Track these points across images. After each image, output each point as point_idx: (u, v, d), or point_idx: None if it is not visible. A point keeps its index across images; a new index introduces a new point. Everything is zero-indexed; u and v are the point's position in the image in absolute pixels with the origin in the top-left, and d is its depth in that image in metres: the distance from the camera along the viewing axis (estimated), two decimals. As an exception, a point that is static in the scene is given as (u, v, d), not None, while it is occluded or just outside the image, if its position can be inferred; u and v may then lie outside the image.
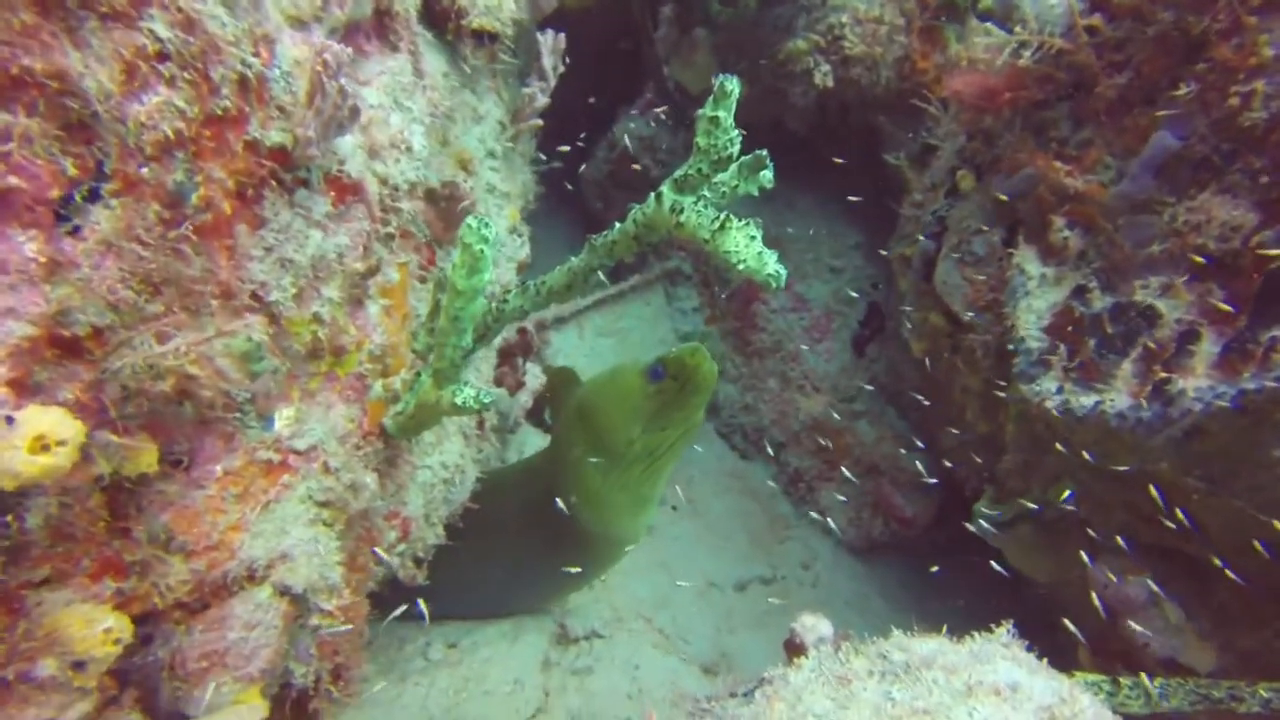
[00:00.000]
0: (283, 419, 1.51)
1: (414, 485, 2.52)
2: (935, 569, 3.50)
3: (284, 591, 1.51)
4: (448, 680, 3.06)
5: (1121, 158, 2.20)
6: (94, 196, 0.93)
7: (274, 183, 1.22)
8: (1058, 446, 2.19)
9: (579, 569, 2.79)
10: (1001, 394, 2.67)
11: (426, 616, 2.49)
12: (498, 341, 3.19)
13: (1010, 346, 2.31)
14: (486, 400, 1.48)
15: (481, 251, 1.27)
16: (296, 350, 1.44)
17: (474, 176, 2.91)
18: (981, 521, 3.01)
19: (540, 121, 3.19)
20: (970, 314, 2.79)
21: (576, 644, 3.56)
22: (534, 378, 4.13)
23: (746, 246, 1.19)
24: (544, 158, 3.65)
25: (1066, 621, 2.25)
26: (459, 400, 1.47)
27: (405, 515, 2.48)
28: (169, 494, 1.28)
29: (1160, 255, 2.10)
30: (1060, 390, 2.14)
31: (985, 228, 2.55)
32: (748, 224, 1.24)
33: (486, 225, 1.26)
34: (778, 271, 1.18)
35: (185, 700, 1.40)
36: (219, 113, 1.06)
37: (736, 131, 1.29)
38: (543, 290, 1.72)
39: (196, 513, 1.33)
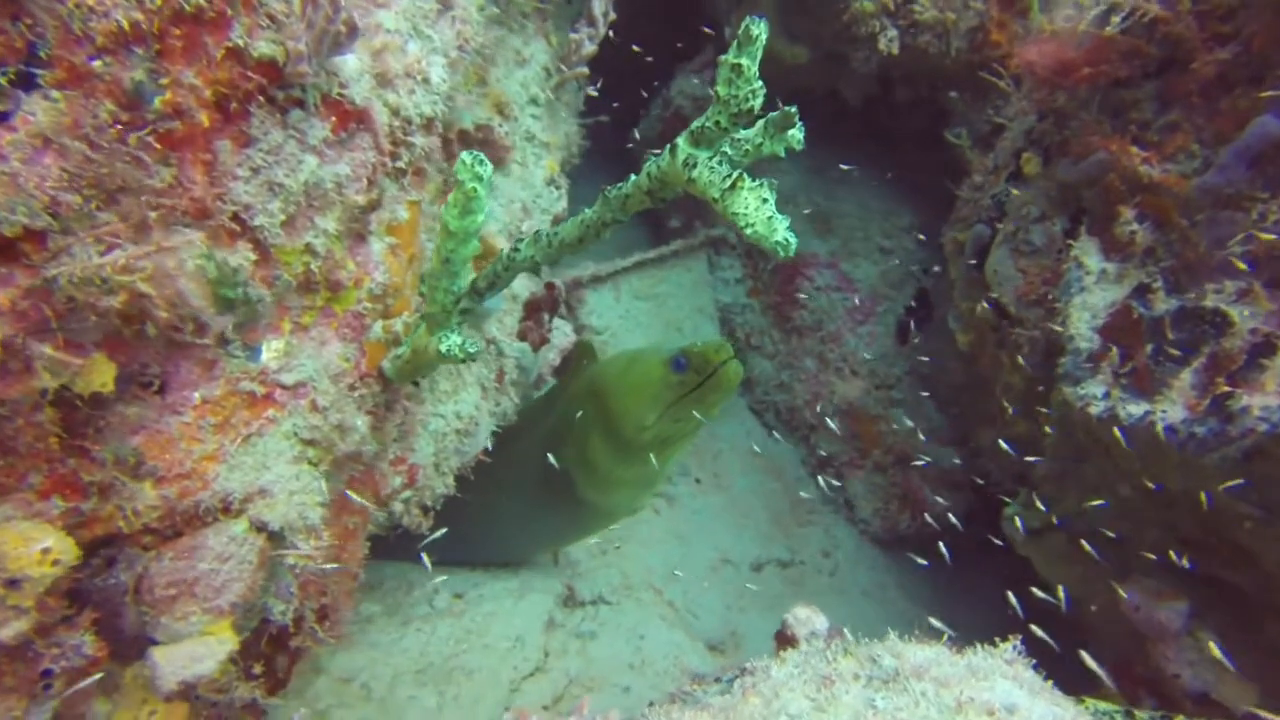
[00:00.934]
0: (271, 351, 1.46)
1: (425, 433, 2.48)
2: (924, 563, 3.39)
3: (261, 527, 1.48)
4: (449, 630, 3.06)
5: (1210, 146, 1.99)
6: (28, 84, 0.87)
7: (262, 99, 1.14)
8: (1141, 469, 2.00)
9: (570, 528, 2.93)
10: (1044, 394, 2.51)
11: (429, 566, 2.49)
12: (524, 295, 3.12)
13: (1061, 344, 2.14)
14: (472, 350, 1.40)
15: (474, 190, 1.18)
16: (286, 280, 1.38)
17: (511, 121, 2.82)
18: (1012, 525, 2.86)
19: (586, 70, 3.08)
20: (1020, 307, 2.62)
21: (583, 607, 3.54)
22: (563, 335, 4.07)
23: (756, 209, 1.08)
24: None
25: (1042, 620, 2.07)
26: (443, 348, 1.39)
27: (412, 462, 2.45)
28: (140, 417, 1.24)
29: (1241, 257, 1.90)
30: (1107, 395, 1.97)
31: (1047, 216, 2.36)
32: (761, 185, 1.12)
33: (482, 162, 1.16)
34: (786, 240, 1.06)
35: (152, 625, 1.38)
36: (189, 9, 0.98)
37: (760, 83, 1.16)
38: (554, 242, 1.62)
39: (170, 439, 1.28)
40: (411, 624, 3.10)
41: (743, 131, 1.35)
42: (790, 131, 1.35)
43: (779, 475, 4.86)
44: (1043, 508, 2.52)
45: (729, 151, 1.33)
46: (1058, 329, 2.17)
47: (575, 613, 3.49)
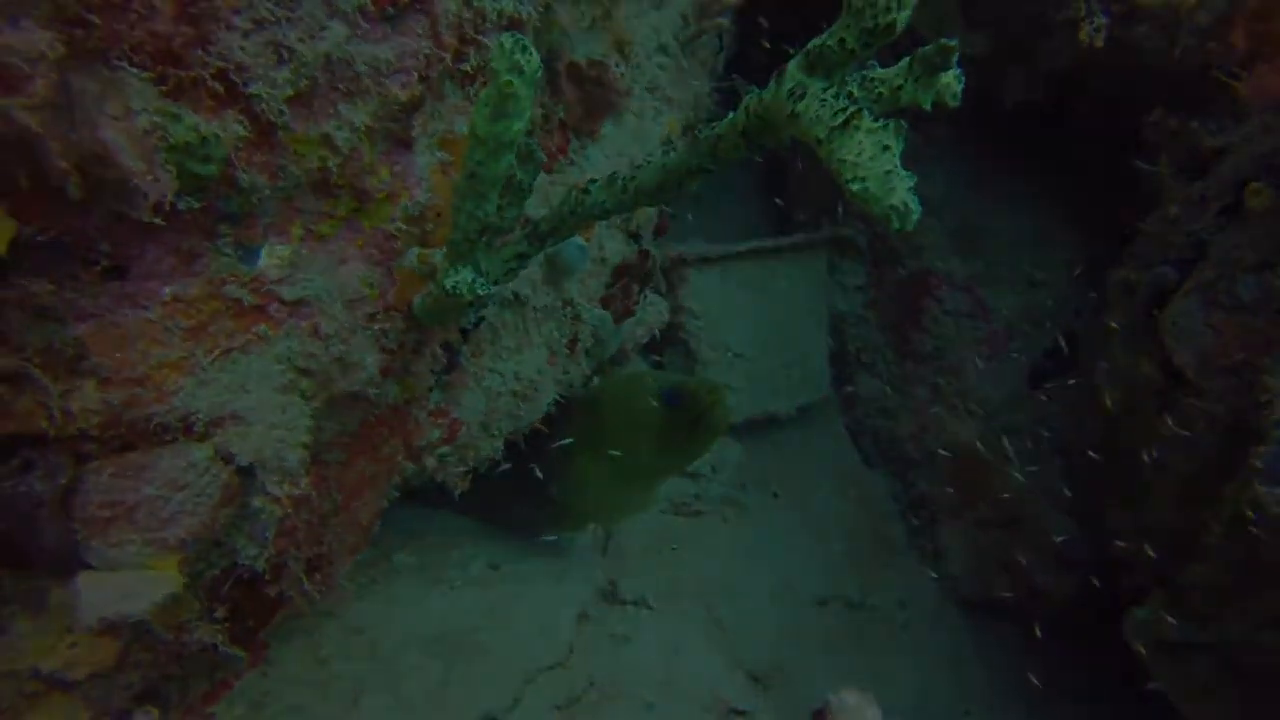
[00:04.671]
0: (273, 257, 1.23)
1: (477, 387, 2.29)
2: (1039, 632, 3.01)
3: (228, 459, 1.27)
4: (474, 601, 2.86)
5: None
6: None
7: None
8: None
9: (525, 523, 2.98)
10: (1213, 484, 2.01)
11: None
12: (615, 259, 2.86)
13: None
14: (481, 291, 1.13)
15: (511, 85, 0.89)
16: (294, 174, 1.15)
17: (630, 65, 2.53)
18: (1138, 632, 2.37)
19: (726, 21, 2.75)
20: (1202, 372, 2.12)
21: (622, 607, 3.28)
22: (656, 313, 3.79)
23: (872, 159, 0.74)
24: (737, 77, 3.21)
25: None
26: (449, 283, 1.12)
27: (456, 417, 2.25)
28: (88, 304, 1.03)
29: None
30: (1321, 506, 1.50)
31: (1270, 264, 1.86)
32: (886, 127, 0.78)
33: (525, 49, 0.87)
34: (904, 205, 0.72)
35: (84, 548, 1.20)
36: None
37: None
38: (630, 186, 1.33)
39: (124, 335, 1.08)
40: (439, 585, 2.92)
41: (878, 69, 1.01)
42: (943, 77, 0.99)
43: (866, 506, 4.42)
44: (1184, 620, 2.04)
45: (856, 93, 0.99)
46: (1259, 410, 1.69)
47: (613, 611, 3.23)
